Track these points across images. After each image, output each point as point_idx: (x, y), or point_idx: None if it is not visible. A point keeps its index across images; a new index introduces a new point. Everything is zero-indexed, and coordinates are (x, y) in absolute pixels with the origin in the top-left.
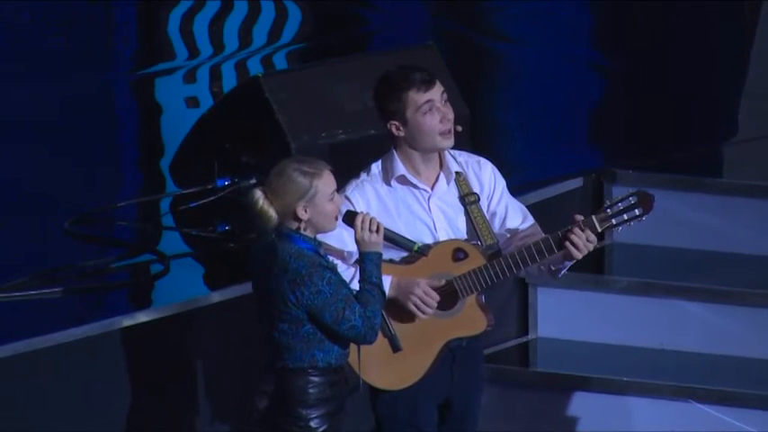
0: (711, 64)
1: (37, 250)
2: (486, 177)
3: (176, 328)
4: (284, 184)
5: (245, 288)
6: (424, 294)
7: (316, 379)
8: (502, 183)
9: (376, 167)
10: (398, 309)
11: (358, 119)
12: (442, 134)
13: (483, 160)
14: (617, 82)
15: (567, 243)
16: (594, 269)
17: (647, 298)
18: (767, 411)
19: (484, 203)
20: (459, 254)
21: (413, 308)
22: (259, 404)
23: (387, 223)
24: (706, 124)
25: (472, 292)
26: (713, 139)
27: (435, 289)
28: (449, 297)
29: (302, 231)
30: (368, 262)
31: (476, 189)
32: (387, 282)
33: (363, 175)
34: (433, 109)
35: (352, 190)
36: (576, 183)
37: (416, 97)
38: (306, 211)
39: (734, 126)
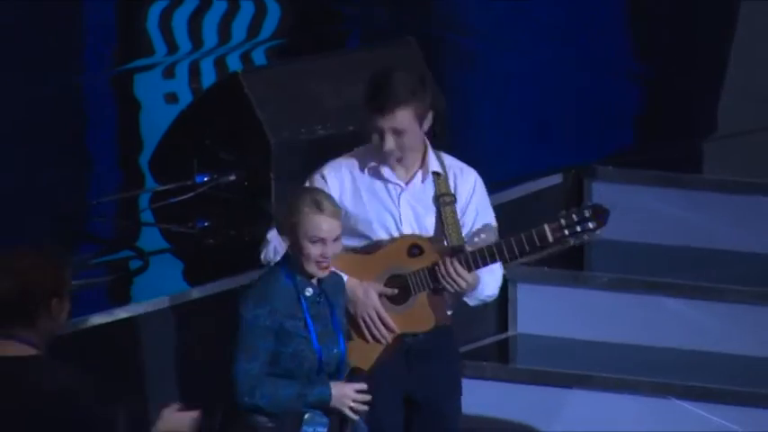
0: (690, 60)
1: None
2: (464, 187)
3: (155, 324)
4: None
5: (224, 284)
6: (374, 313)
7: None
8: (480, 197)
9: (358, 153)
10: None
11: (338, 115)
12: (383, 155)
13: (468, 170)
14: (596, 78)
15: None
16: (574, 265)
17: (627, 294)
18: (747, 408)
19: (458, 210)
20: (413, 249)
21: (360, 321)
22: None
23: (356, 208)
24: (685, 120)
25: (423, 290)
26: (693, 136)
27: (390, 284)
28: (402, 292)
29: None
30: (321, 400)
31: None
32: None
33: (344, 158)
34: (381, 133)
35: (329, 170)
36: (555, 179)
37: (369, 114)
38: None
39: (713, 122)
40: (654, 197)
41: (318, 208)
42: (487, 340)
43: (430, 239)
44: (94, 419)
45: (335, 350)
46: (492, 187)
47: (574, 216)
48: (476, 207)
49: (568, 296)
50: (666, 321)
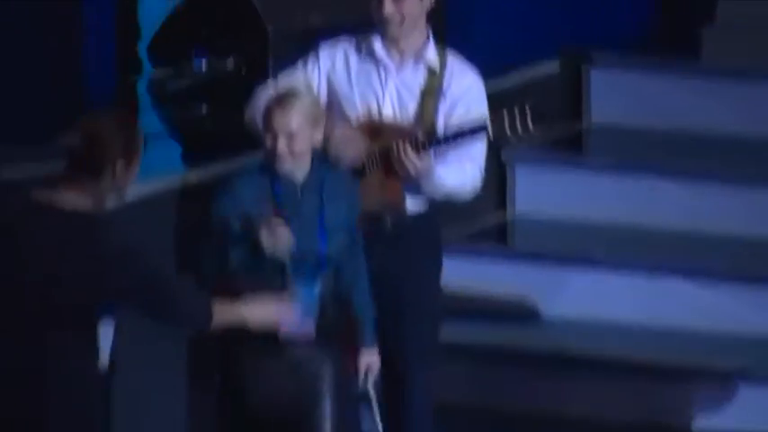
0: None
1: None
2: (457, 86)
3: (153, 207)
4: None
5: (222, 168)
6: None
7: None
8: (472, 101)
9: (358, 36)
10: None
11: (334, 3)
12: (382, 23)
13: (468, 72)
14: None
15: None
16: (573, 148)
17: (625, 176)
18: (744, 286)
19: (443, 107)
20: (372, 131)
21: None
22: None
23: (342, 85)
24: (685, 7)
25: (375, 169)
26: (692, 22)
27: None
28: (361, 169)
29: None
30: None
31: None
32: None
33: (344, 37)
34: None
35: (324, 47)
36: (553, 65)
37: None
38: None
39: (712, 9)
40: (652, 82)
41: (277, 101)
42: (486, 223)
43: (391, 123)
44: (156, 278)
45: (312, 246)
46: (486, 74)
47: (516, 112)
48: (466, 109)
49: (567, 178)
50: (664, 203)
